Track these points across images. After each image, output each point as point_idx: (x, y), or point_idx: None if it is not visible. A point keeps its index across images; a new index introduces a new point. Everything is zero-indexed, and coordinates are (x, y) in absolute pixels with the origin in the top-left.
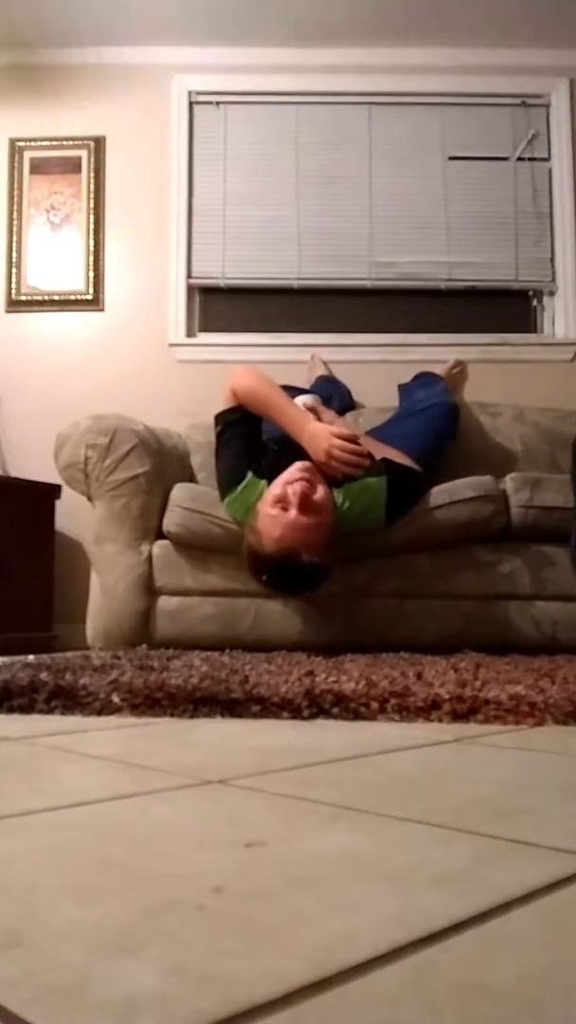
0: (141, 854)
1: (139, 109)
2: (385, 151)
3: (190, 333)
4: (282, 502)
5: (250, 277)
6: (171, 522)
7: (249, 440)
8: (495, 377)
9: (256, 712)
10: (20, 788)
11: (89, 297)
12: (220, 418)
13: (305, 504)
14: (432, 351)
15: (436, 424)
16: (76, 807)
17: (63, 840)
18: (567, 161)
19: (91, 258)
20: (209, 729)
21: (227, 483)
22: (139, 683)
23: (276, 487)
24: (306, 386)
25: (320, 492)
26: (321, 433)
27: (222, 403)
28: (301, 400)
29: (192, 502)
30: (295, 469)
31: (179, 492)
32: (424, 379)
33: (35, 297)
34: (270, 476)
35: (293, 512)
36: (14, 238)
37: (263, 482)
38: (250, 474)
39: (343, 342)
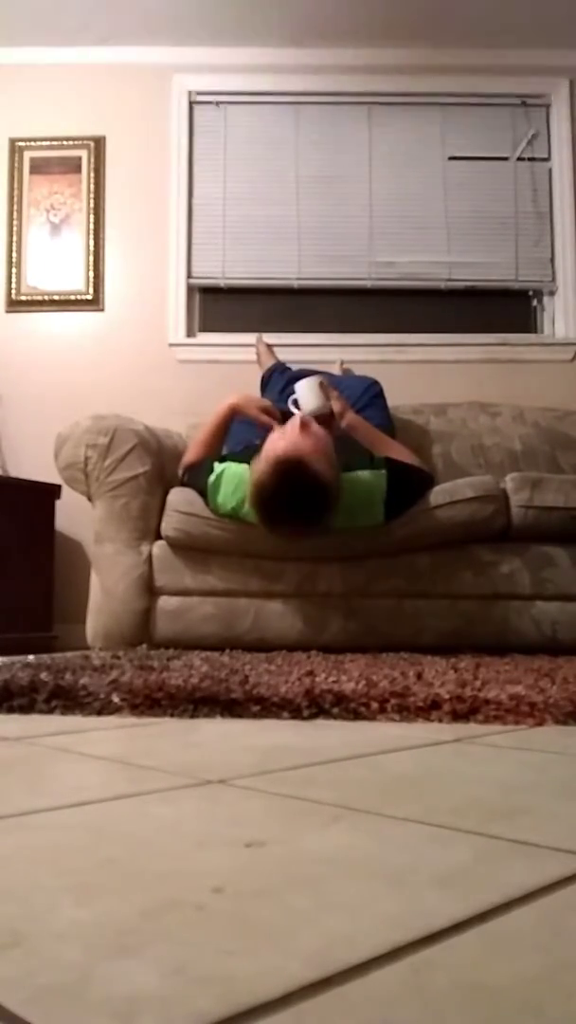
0: (141, 854)
1: (139, 109)
2: (385, 151)
3: (190, 333)
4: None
5: (250, 277)
6: (169, 526)
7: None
8: (495, 377)
9: (256, 712)
10: (20, 788)
11: (89, 297)
12: (184, 470)
13: (304, 427)
14: (432, 351)
15: (380, 400)
16: (76, 807)
17: (63, 840)
18: (567, 161)
19: (91, 258)
20: (209, 729)
21: (204, 483)
22: (139, 683)
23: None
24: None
25: (316, 424)
26: (253, 398)
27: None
28: (307, 382)
29: (189, 506)
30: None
31: (176, 496)
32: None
33: (35, 297)
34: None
35: (291, 428)
36: (14, 238)
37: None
38: (216, 464)
39: (343, 342)
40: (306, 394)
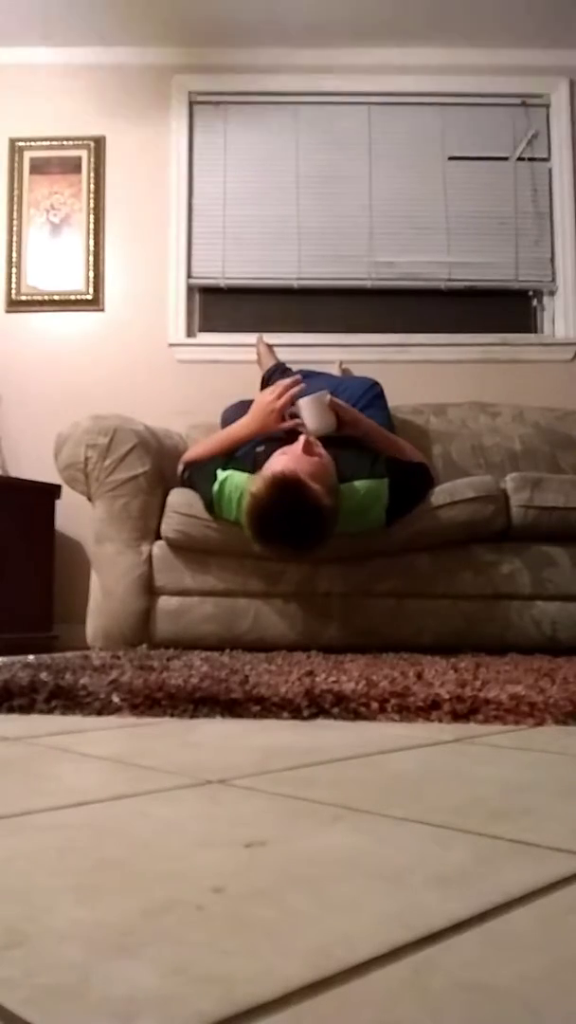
0: (141, 854)
1: (139, 109)
2: (385, 151)
3: (190, 333)
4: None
5: (250, 277)
6: (169, 527)
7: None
8: (495, 377)
9: (256, 712)
10: (20, 788)
11: (89, 297)
12: (184, 466)
13: (308, 448)
14: (432, 351)
15: (381, 400)
16: (76, 807)
17: (63, 840)
18: (567, 161)
19: (91, 258)
20: (209, 729)
21: (207, 491)
22: (139, 683)
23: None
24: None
25: (320, 448)
26: (262, 403)
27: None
28: (311, 401)
29: (189, 507)
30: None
31: (176, 497)
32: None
33: (35, 297)
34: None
35: (295, 448)
36: (14, 238)
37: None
38: (219, 471)
39: (343, 342)
40: (311, 414)
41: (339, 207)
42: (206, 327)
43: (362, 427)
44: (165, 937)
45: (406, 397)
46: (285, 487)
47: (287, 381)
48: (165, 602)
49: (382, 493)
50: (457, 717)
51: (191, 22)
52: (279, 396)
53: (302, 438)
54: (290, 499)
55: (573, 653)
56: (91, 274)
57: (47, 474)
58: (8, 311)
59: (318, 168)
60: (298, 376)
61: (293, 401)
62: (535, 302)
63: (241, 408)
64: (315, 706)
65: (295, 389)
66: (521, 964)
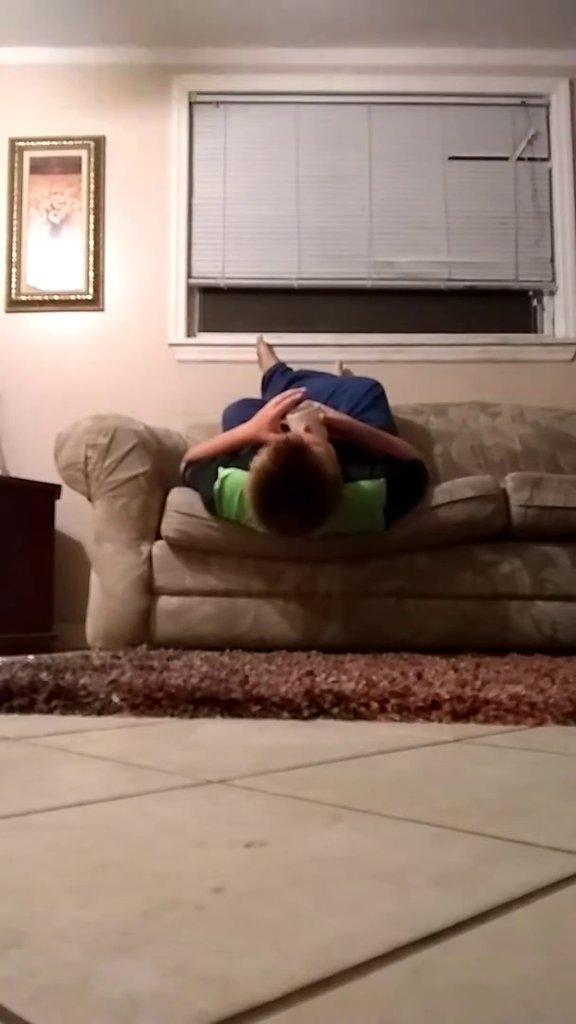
0: (141, 854)
1: (139, 109)
2: (385, 151)
3: (190, 333)
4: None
5: (250, 277)
6: (169, 527)
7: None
8: (495, 377)
9: (256, 712)
10: (20, 788)
11: (89, 297)
12: (187, 464)
13: (308, 431)
14: (432, 351)
15: (382, 402)
16: (76, 807)
17: (63, 840)
18: (567, 161)
19: (91, 258)
20: (209, 729)
21: (208, 490)
22: (139, 683)
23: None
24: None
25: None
26: (264, 414)
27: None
28: (306, 412)
29: (189, 507)
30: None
31: (176, 497)
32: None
33: (35, 297)
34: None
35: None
36: (14, 238)
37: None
38: (220, 468)
39: (343, 342)
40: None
41: (339, 207)
42: (206, 327)
43: (355, 433)
44: (165, 937)
45: (406, 397)
46: (290, 451)
47: (289, 393)
48: (165, 602)
49: (380, 495)
50: (457, 717)
51: (191, 22)
52: (276, 405)
53: (303, 425)
54: (295, 462)
55: (573, 653)
56: (91, 274)
57: (47, 474)
58: (8, 311)
59: (318, 168)
60: (301, 390)
61: (285, 414)
62: (535, 302)
63: (242, 406)
64: (315, 706)
65: (287, 402)
66: (521, 964)
